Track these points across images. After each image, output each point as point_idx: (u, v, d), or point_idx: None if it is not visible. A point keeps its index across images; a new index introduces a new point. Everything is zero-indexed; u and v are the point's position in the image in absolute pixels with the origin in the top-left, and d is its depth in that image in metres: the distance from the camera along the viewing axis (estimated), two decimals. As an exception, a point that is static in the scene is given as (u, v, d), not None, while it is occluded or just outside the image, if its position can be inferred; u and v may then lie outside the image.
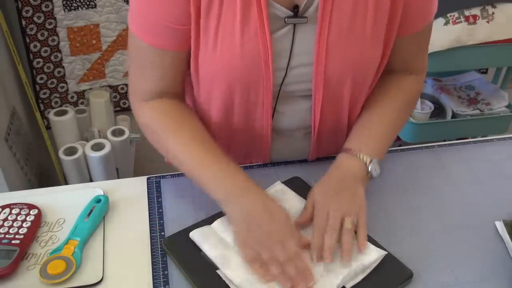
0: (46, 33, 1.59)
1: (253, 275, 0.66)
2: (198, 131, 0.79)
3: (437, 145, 0.97)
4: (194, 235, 0.71)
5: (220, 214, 0.74)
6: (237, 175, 0.73)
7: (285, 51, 0.74)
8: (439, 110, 1.95)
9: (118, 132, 1.64)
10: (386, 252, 0.70)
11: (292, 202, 0.78)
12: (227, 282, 0.66)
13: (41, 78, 1.67)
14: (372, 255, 0.69)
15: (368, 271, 0.68)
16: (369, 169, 0.76)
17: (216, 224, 0.73)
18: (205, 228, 0.72)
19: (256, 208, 0.69)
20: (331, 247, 0.68)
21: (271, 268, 0.65)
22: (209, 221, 0.74)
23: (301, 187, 0.82)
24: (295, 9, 0.71)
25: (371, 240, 0.72)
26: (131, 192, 0.82)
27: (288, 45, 0.73)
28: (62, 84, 1.71)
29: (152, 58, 0.75)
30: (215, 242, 0.70)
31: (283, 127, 0.86)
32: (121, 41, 1.70)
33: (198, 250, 0.70)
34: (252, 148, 0.89)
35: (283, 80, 0.76)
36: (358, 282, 0.67)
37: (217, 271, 0.67)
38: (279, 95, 0.79)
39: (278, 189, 0.81)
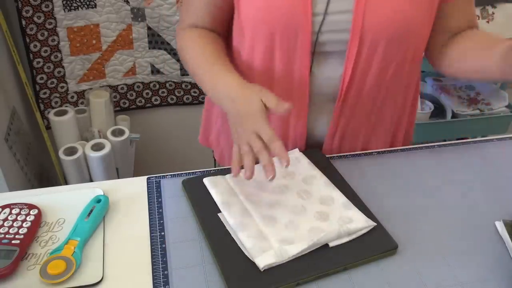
0: (46, 33, 1.59)
1: (247, 220, 0.72)
2: (217, 44, 0.87)
3: (437, 145, 0.97)
4: (206, 180, 0.80)
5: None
6: (227, 74, 0.79)
7: None
8: (439, 110, 1.95)
9: (118, 132, 1.64)
10: (375, 224, 0.73)
11: (304, 169, 0.83)
12: (224, 223, 0.73)
13: (41, 78, 1.67)
14: (360, 223, 0.72)
15: (354, 236, 0.71)
16: None
17: (229, 175, 0.81)
18: (218, 177, 0.81)
19: (235, 104, 0.76)
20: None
21: (244, 158, 0.73)
22: (224, 172, 0.83)
23: (318, 160, 0.86)
24: None
25: (366, 210, 0.76)
26: (131, 192, 0.82)
27: None
28: (62, 84, 1.71)
29: None
30: (222, 189, 0.78)
31: (317, 92, 0.87)
32: (121, 41, 1.70)
33: (210, 194, 0.78)
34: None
35: (320, 27, 0.79)
36: (341, 243, 0.70)
37: (219, 214, 0.74)
38: (315, 49, 0.82)
39: (293, 156, 0.86)
